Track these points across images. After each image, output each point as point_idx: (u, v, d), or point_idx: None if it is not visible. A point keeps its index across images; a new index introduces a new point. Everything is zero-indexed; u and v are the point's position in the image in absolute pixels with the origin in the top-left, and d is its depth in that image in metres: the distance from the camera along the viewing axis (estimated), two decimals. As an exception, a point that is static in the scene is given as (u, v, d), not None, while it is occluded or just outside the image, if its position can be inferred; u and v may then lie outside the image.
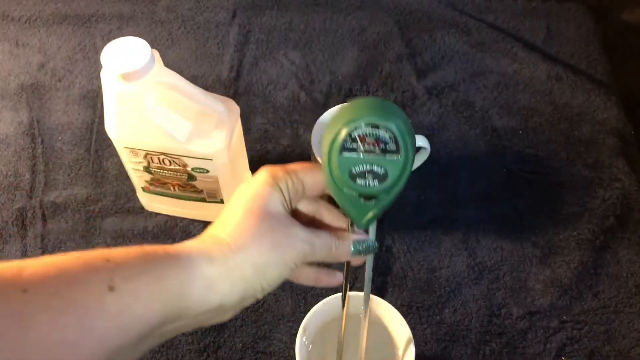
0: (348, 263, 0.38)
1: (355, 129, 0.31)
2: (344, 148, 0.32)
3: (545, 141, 0.67)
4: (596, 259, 0.58)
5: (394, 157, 0.32)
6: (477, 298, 0.56)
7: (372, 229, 0.37)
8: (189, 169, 0.53)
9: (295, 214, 0.37)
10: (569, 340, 0.53)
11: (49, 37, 0.76)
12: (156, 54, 0.47)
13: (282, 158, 0.65)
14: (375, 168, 0.32)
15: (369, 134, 0.31)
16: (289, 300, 0.55)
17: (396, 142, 0.31)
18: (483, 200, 0.62)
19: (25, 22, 0.78)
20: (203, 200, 0.57)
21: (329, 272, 0.39)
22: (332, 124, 0.33)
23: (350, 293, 0.47)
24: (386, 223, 0.60)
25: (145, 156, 0.52)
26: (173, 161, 0.52)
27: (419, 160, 0.61)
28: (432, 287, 0.56)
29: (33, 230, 0.60)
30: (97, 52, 0.74)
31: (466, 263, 0.58)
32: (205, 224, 0.60)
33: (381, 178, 0.32)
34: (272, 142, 0.67)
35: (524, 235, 0.60)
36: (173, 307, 0.29)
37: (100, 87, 0.49)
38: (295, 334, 0.45)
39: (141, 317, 0.28)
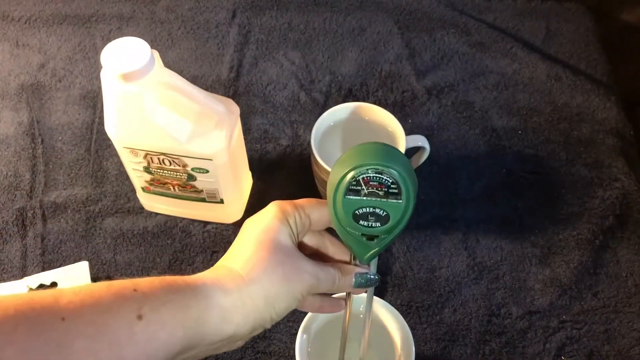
0: (349, 293, 0.40)
1: (361, 174, 0.33)
2: (348, 190, 0.34)
3: (545, 141, 0.67)
4: (596, 259, 0.58)
5: (396, 200, 0.34)
6: (477, 298, 0.56)
7: (374, 263, 0.39)
8: (188, 169, 0.53)
9: (301, 247, 0.39)
10: (569, 340, 0.53)
11: (49, 38, 0.76)
12: (156, 54, 0.47)
13: (281, 158, 0.66)
14: (377, 210, 0.34)
15: (373, 178, 0.33)
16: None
17: (398, 187, 0.33)
18: (483, 200, 0.62)
19: (26, 23, 0.78)
20: (203, 200, 0.57)
21: (332, 301, 0.41)
22: (338, 168, 0.34)
23: (343, 294, 0.47)
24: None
25: (145, 156, 0.52)
26: (173, 161, 0.52)
27: (419, 160, 0.61)
28: (431, 287, 0.56)
29: (33, 230, 0.60)
30: (97, 52, 0.74)
31: (466, 263, 0.58)
32: (205, 224, 0.60)
33: (383, 220, 0.34)
34: (272, 142, 0.67)
35: (524, 235, 0.60)
36: (192, 336, 0.31)
37: (100, 87, 0.49)
38: (295, 334, 0.45)
39: (166, 345, 0.30)
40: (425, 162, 0.61)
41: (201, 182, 0.54)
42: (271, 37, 0.76)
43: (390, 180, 0.33)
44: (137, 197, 0.61)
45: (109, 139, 0.52)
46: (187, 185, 0.55)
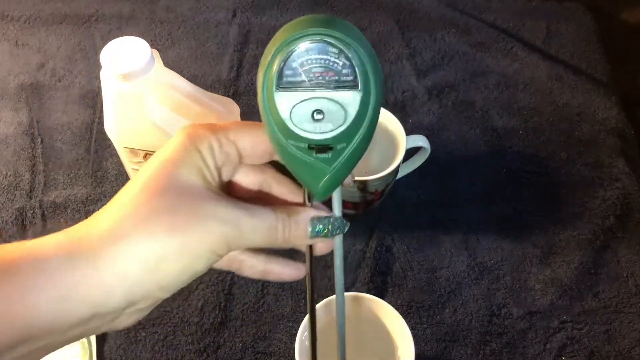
0: (310, 249, 0.30)
1: (294, 52, 0.24)
2: (282, 82, 0.24)
3: (546, 141, 0.67)
4: (596, 259, 0.58)
5: (351, 89, 0.24)
6: (477, 298, 0.56)
7: (337, 200, 0.29)
8: (188, 169, 0.53)
9: (232, 188, 0.30)
10: (569, 340, 0.53)
11: (49, 37, 0.76)
12: (156, 53, 0.47)
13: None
14: (326, 105, 0.25)
15: (314, 60, 0.24)
16: (289, 300, 0.55)
17: (353, 68, 0.24)
18: (483, 200, 0.62)
19: (25, 22, 0.77)
20: (203, 200, 0.57)
21: (283, 261, 0.31)
22: (265, 52, 0.25)
23: (352, 294, 0.47)
24: (386, 223, 0.60)
25: (145, 156, 0.52)
26: (173, 161, 0.52)
27: (419, 160, 0.61)
28: (432, 287, 0.56)
29: (33, 230, 0.60)
30: (97, 52, 0.73)
31: (466, 263, 0.58)
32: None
33: (336, 119, 0.25)
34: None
35: (524, 235, 0.60)
36: (23, 327, 0.23)
37: (100, 87, 0.48)
38: (295, 334, 0.45)
39: None
40: (426, 162, 0.61)
41: (201, 182, 0.54)
42: (271, 37, 0.76)
43: (340, 60, 0.24)
44: (136, 197, 0.61)
45: (108, 139, 0.52)
46: (187, 185, 0.55)
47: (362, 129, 0.26)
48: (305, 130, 0.25)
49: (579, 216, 0.61)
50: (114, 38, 0.46)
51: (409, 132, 0.58)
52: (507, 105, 0.70)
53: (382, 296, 0.54)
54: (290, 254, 0.32)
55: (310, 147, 0.26)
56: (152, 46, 0.46)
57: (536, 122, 0.68)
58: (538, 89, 0.71)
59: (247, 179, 0.30)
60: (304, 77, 0.24)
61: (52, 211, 0.61)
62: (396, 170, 0.57)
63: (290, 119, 0.25)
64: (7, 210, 0.61)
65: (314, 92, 0.25)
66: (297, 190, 0.30)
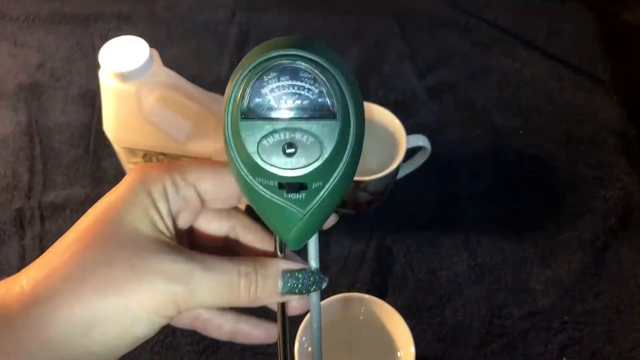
0: (283, 309, 0.27)
1: (263, 77, 0.21)
2: (249, 110, 0.21)
3: (546, 141, 0.67)
4: (597, 260, 0.58)
5: (328, 119, 0.21)
6: (478, 299, 0.55)
7: (313, 249, 0.25)
8: (188, 169, 0.52)
9: (194, 237, 0.27)
10: (570, 341, 0.53)
11: (47, 37, 0.76)
12: (155, 53, 0.46)
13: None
14: (298, 137, 0.21)
15: (285, 86, 0.21)
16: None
17: (329, 92, 0.21)
18: (484, 200, 0.62)
19: (24, 22, 0.77)
20: (202, 200, 0.57)
21: (254, 321, 0.28)
22: (231, 77, 0.22)
23: (352, 294, 0.46)
24: (386, 223, 0.60)
25: (144, 156, 0.52)
26: (172, 161, 0.52)
27: (420, 160, 0.60)
28: (432, 288, 0.56)
29: (31, 230, 0.59)
30: (96, 52, 0.73)
31: (467, 263, 0.57)
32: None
33: (310, 152, 0.22)
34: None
35: (525, 236, 0.59)
36: None
37: (98, 87, 0.48)
38: (295, 335, 0.44)
39: None
40: (426, 162, 0.61)
41: (200, 182, 0.54)
42: (271, 36, 0.75)
43: (315, 87, 0.21)
44: (136, 197, 0.61)
45: (107, 139, 0.52)
46: (186, 186, 0.55)
47: (341, 165, 0.22)
48: (274, 166, 0.22)
49: (580, 216, 0.61)
50: (112, 37, 0.46)
51: (409, 131, 0.58)
52: (508, 105, 0.70)
53: (382, 297, 0.54)
54: (265, 311, 0.27)
55: (281, 186, 0.22)
56: (151, 46, 0.46)
57: (537, 122, 0.68)
58: (539, 89, 0.71)
59: (211, 226, 0.26)
60: (273, 105, 0.21)
61: (51, 211, 0.61)
62: (396, 170, 0.56)
63: (258, 152, 0.22)
64: (6, 211, 0.61)
65: (285, 122, 0.21)
66: (268, 238, 0.27)
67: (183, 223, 0.25)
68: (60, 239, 0.23)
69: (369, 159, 0.57)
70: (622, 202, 0.61)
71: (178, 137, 0.49)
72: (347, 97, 0.22)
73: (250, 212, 0.27)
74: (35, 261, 0.23)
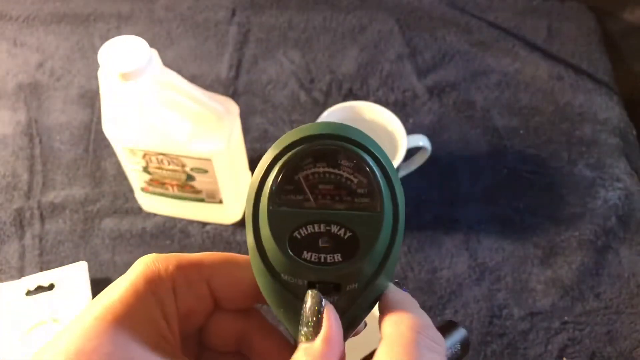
0: None
1: (298, 162, 0.19)
2: (280, 198, 0.19)
3: (547, 141, 0.66)
4: (598, 260, 0.58)
5: (368, 208, 0.19)
6: (478, 299, 0.55)
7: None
8: (187, 169, 0.52)
9: (204, 337, 0.24)
10: (571, 341, 0.53)
11: (47, 37, 0.76)
12: (155, 53, 0.46)
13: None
14: (335, 229, 0.19)
15: (322, 174, 0.19)
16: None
17: (370, 184, 0.19)
18: (484, 200, 0.62)
19: (24, 22, 0.77)
20: (202, 200, 0.56)
21: None
22: (263, 159, 0.20)
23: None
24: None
25: (144, 156, 0.52)
26: (172, 161, 0.52)
27: (420, 160, 0.60)
28: (432, 288, 0.56)
29: (31, 230, 0.59)
30: (96, 52, 0.73)
31: (467, 264, 0.57)
32: (204, 225, 0.60)
33: (347, 247, 0.19)
34: (272, 142, 0.66)
35: (525, 236, 0.59)
36: None
37: (98, 87, 0.48)
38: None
39: None
40: (426, 162, 0.60)
41: (200, 182, 0.54)
42: (271, 36, 0.76)
43: (355, 177, 0.19)
44: (135, 198, 0.61)
45: (107, 139, 0.52)
46: (185, 186, 0.55)
47: (381, 266, 0.19)
48: (306, 262, 0.19)
49: (581, 216, 0.61)
50: (112, 37, 0.46)
51: (409, 131, 0.58)
52: (508, 105, 0.69)
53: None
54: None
55: (309, 286, 0.19)
56: (151, 45, 0.46)
57: (537, 122, 0.68)
58: (539, 89, 0.71)
59: (222, 326, 0.23)
60: (308, 194, 0.19)
61: (50, 211, 0.61)
62: (396, 170, 0.56)
63: (288, 246, 0.19)
64: (6, 211, 0.61)
65: (320, 213, 0.19)
66: (288, 348, 0.22)
67: (192, 324, 0.23)
68: (48, 345, 0.20)
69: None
70: (622, 203, 0.61)
71: (178, 138, 0.49)
72: (394, 188, 0.19)
73: (268, 313, 0.24)
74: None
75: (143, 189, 0.57)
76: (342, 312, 0.19)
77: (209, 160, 0.51)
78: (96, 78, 0.48)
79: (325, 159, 0.19)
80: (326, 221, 0.19)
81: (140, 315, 0.20)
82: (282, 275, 0.20)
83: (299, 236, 0.19)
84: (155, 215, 0.61)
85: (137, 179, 0.56)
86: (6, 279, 0.56)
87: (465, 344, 0.21)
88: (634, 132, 0.69)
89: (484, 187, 0.63)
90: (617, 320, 0.54)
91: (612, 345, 0.53)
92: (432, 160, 0.60)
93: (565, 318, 0.54)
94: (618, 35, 0.80)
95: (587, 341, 0.53)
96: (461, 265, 0.57)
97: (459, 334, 0.21)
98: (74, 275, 0.54)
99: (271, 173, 0.19)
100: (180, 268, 0.21)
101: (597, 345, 0.53)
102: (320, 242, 0.19)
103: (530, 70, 0.73)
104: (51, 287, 0.54)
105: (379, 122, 0.59)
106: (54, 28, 0.77)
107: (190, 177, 0.53)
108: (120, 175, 0.63)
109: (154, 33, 0.76)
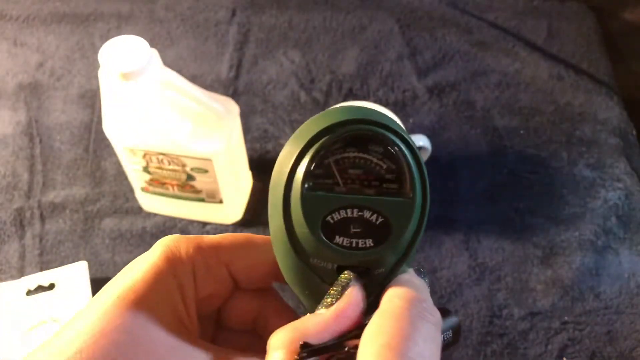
0: None
1: (329, 147, 0.19)
2: (311, 183, 0.19)
3: (547, 141, 0.66)
4: (598, 260, 0.58)
5: (399, 194, 0.19)
6: (478, 299, 0.55)
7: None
8: (187, 169, 0.52)
9: (220, 316, 0.24)
10: (571, 341, 0.53)
11: (47, 36, 0.76)
12: (155, 53, 0.46)
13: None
14: (367, 215, 0.19)
15: (353, 158, 0.19)
16: (289, 301, 0.55)
17: (400, 170, 0.19)
18: (484, 200, 0.62)
19: (24, 21, 0.77)
20: (202, 200, 0.56)
21: None
22: (290, 142, 0.20)
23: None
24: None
25: (144, 156, 0.52)
26: (172, 161, 0.52)
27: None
28: (433, 288, 0.56)
29: (31, 230, 0.59)
30: (96, 51, 0.73)
31: (467, 264, 0.57)
32: (204, 225, 0.60)
33: (379, 232, 0.19)
34: (272, 142, 0.66)
35: (525, 236, 0.59)
36: None
37: (98, 87, 0.48)
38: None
39: None
40: (427, 162, 0.60)
41: (200, 182, 0.54)
42: (271, 36, 0.76)
43: (384, 163, 0.19)
44: (135, 198, 0.61)
45: (107, 139, 0.52)
46: (186, 186, 0.55)
47: (409, 251, 0.20)
48: (338, 246, 0.19)
49: (581, 216, 0.61)
50: (113, 37, 0.46)
51: (409, 131, 0.58)
52: (508, 105, 0.69)
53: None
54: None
55: (339, 271, 0.19)
56: (151, 45, 0.46)
57: (537, 122, 0.68)
58: (539, 89, 0.71)
59: (240, 306, 0.24)
60: (338, 179, 0.19)
61: (50, 211, 0.61)
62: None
63: (321, 230, 0.19)
64: (6, 211, 0.61)
65: (353, 198, 0.19)
66: None
67: (211, 306, 0.23)
68: (70, 323, 0.20)
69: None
70: (622, 203, 0.61)
71: (178, 137, 0.49)
72: (423, 173, 0.20)
73: (283, 291, 0.24)
74: (38, 348, 0.20)
75: (143, 189, 0.57)
76: (368, 296, 0.20)
77: (209, 160, 0.51)
78: (96, 78, 0.48)
79: (355, 144, 0.19)
80: (359, 206, 0.19)
81: (161, 297, 0.20)
82: (312, 259, 0.20)
83: (331, 220, 0.19)
84: (155, 215, 0.61)
85: (137, 178, 0.56)
86: (6, 279, 0.56)
87: (456, 332, 0.21)
88: (634, 132, 0.69)
89: (484, 187, 0.63)
90: (617, 320, 0.54)
91: (612, 345, 0.53)
92: (432, 160, 0.60)
93: (565, 318, 0.54)
94: (618, 35, 0.80)
95: (587, 341, 0.53)
96: (461, 265, 0.57)
97: (451, 321, 0.21)
98: (74, 275, 0.54)
99: (304, 158, 0.19)
100: (200, 251, 0.22)
101: (597, 345, 0.53)
102: (352, 227, 0.19)
103: (531, 70, 0.73)
104: (51, 287, 0.54)
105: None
106: (54, 28, 0.76)
107: (190, 177, 0.53)
108: (121, 175, 0.63)
109: (154, 33, 0.76)
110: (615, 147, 0.66)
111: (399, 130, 0.19)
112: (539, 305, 0.55)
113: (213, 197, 0.56)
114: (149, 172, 0.54)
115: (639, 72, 0.80)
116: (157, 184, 0.56)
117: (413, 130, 0.65)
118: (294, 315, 0.24)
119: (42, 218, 0.60)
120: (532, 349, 0.53)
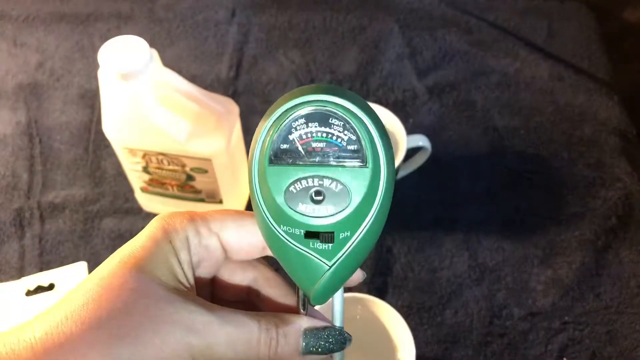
0: None
1: (292, 123, 0.21)
2: (276, 156, 0.21)
3: (547, 141, 0.66)
4: (598, 260, 0.58)
5: (357, 163, 0.21)
6: (479, 299, 0.55)
7: (338, 306, 0.24)
8: (187, 169, 0.52)
9: (215, 288, 0.26)
10: (571, 341, 0.53)
11: (47, 37, 0.76)
12: (155, 53, 0.46)
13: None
14: (327, 183, 0.21)
15: (314, 132, 0.21)
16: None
17: (359, 142, 0.21)
18: (484, 200, 0.62)
19: (23, 22, 0.77)
20: (202, 200, 0.56)
21: None
22: (260, 122, 0.22)
23: (352, 295, 0.46)
24: (386, 223, 0.60)
25: (144, 156, 0.52)
26: (171, 161, 0.52)
27: (420, 160, 0.60)
28: (433, 288, 0.56)
29: (31, 231, 0.59)
30: (95, 51, 0.73)
31: (467, 264, 0.57)
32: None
33: (339, 200, 0.21)
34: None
35: (525, 236, 0.59)
36: None
37: (98, 87, 0.48)
38: None
39: None
40: (426, 162, 0.60)
41: (200, 182, 0.54)
42: (271, 36, 0.76)
43: (345, 135, 0.21)
44: (135, 198, 0.61)
45: (107, 139, 0.52)
46: (185, 186, 0.55)
47: (370, 215, 0.21)
48: (301, 214, 0.21)
49: (581, 216, 0.60)
50: (112, 37, 0.46)
51: (409, 131, 0.58)
52: (508, 105, 0.69)
53: (382, 297, 0.54)
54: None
55: (307, 236, 0.22)
56: (150, 45, 0.46)
57: (537, 122, 0.68)
58: (539, 89, 0.71)
59: (232, 278, 0.26)
60: (302, 152, 0.21)
61: (50, 212, 0.61)
62: (396, 170, 0.56)
63: (285, 199, 0.21)
64: (6, 211, 0.61)
65: (313, 168, 0.21)
66: (291, 294, 0.26)
67: (204, 273, 0.25)
68: (77, 286, 0.23)
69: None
70: (622, 203, 0.61)
71: (178, 138, 0.49)
72: (379, 144, 0.21)
73: (273, 265, 0.26)
74: (49, 307, 0.22)
75: (143, 189, 0.57)
76: (337, 259, 0.22)
77: (209, 160, 0.51)
78: (96, 78, 0.48)
79: (317, 119, 0.21)
80: (319, 176, 0.21)
81: (160, 260, 0.22)
82: (282, 226, 0.22)
83: (294, 190, 0.21)
84: (155, 215, 0.60)
85: (137, 179, 0.56)
86: (6, 279, 0.56)
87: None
88: (634, 132, 0.69)
89: (484, 187, 0.63)
90: (617, 320, 0.54)
91: (612, 345, 0.53)
92: (432, 160, 0.60)
93: (566, 318, 0.54)
94: (618, 35, 0.80)
95: (587, 341, 0.53)
96: (461, 265, 0.57)
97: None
98: (74, 275, 0.54)
99: (268, 134, 0.21)
100: (193, 222, 0.24)
101: (597, 345, 0.53)
102: (314, 195, 0.21)
103: (531, 70, 0.72)
104: (51, 287, 0.54)
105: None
106: (54, 28, 0.76)
107: (190, 177, 0.53)
108: (120, 175, 0.63)
109: (154, 33, 0.76)
110: (615, 147, 0.66)
111: (359, 105, 0.21)
112: (539, 305, 0.55)
113: (213, 197, 0.56)
114: (148, 172, 0.54)
115: (639, 71, 0.80)
116: (156, 184, 0.56)
117: (413, 130, 0.65)
118: (285, 284, 0.27)
119: (42, 218, 0.60)
120: (532, 349, 0.53)
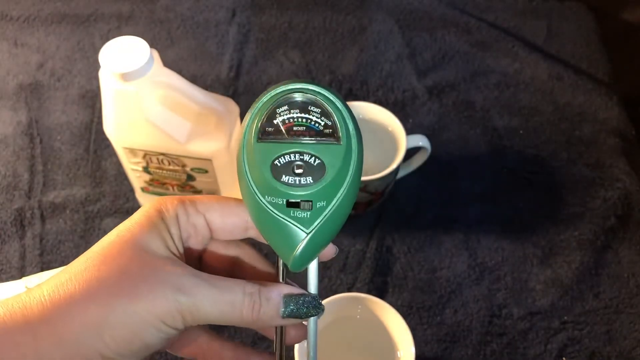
0: (281, 332, 0.28)
1: (277, 109, 0.25)
2: (262, 134, 0.25)
3: (546, 141, 0.67)
4: (597, 259, 0.58)
5: (332, 141, 0.25)
6: (478, 298, 0.55)
7: (313, 275, 0.26)
8: (188, 169, 0.52)
9: (202, 264, 0.29)
10: (570, 341, 0.53)
11: (48, 37, 0.76)
12: (155, 53, 0.46)
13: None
14: (306, 157, 0.25)
15: (295, 119, 0.25)
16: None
17: (333, 123, 0.25)
18: (484, 200, 0.62)
19: (24, 22, 0.77)
20: (202, 200, 0.57)
21: (252, 351, 0.29)
22: (250, 109, 0.26)
23: (352, 294, 0.46)
24: (386, 223, 0.60)
25: (144, 156, 0.52)
26: (172, 161, 0.52)
27: (420, 160, 0.60)
28: (432, 288, 0.56)
29: (32, 230, 0.59)
30: (96, 52, 0.73)
31: (467, 263, 0.57)
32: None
33: (317, 172, 0.25)
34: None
35: (525, 236, 0.59)
36: None
37: (99, 87, 0.48)
38: None
39: None
40: (426, 162, 0.61)
41: (200, 182, 0.54)
42: (271, 36, 0.76)
43: (322, 119, 0.25)
44: (136, 198, 0.61)
45: (107, 139, 0.52)
46: (186, 186, 0.55)
47: (344, 186, 0.25)
48: (284, 184, 0.25)
49: (580, 216, 0.61)
50: (113, 38, 0.46)
51: (409, 131, 0.58)
52: (508, 105, 0.70)
53: (382, 297, 0.54)
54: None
55: (288, 205, 0.25)
56: (151, 46, 0.46)
57: (537, 122, 0.68)
58: (539, 89, 0.71)
59: (218, 254, 0.29)
60: (284, 134, 0.25)
61: (51, 211, 0.61)
62: (396, 170, 0.56)
63: (270, 171, 0.25)
64: (6, 211, 0.61)
65: (295, 145, 0.25)
66: (272, 268, 0.29)
67: (193, 245, 0.28)
68: (79, 256, 0.26)
69: (369, 159, 0.57)
70: (621, 202, 0.61)
71: (178, 137, 0.49)
72: (350, 126, 0.25)
73: (255, 247, 0.29)
74: (59, 271, 0.25)
75: (144, 189, 0.57)
76: (314, 226, 0.25)
77: (209, 160, 0.51)
78: (97, 78, 0.48)
79: (298, 106, 0.25)
80: (300, 152, 0.25)
81: (153, 234, 0.25)
82: (266, 197, 0.25)
83: (278, 164, 0.25)
84: (155, 215, 0.61)
85: (137, 179, 0.56)
86: (6, 279, 0.56)
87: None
88: (634, 132, 0.69)
89: (483, 187, 0.63)
90: (617, 320, 0.54)
91: (611, 345, 0.53)
92: (431, 160, 0.61)
93: (565, 318, 0.54)
94: (618, 35, 0.80)
95: (586, 341, 0.53)
96: (461, 265, 0.57)
97: None
98: (75, 275, 0.54)
99: (256, 118, 0.25)
100: (182, 203, 0.27)
101: (596, 345, 0.53)
102: (295, 169, 0.25)
103: (530, 70, 0.73)
104: (52, 286, 0.54)
105: (378, 122, 0.59)
106: (54, 28, 0.77)
107: (190, 177, 0.54)
108: (121, 175, 0.63)
109: (154, 33, 0.76)
110: (615, 147, 0.66)
111: (333, 93, 0.25)
112: (538, 305, 0.55)
113: (213, 197, 0.56)
114: (149, 173, 0.54)
115: (639, 71, 0.80)
116: (157, 184, 0.56)
117: (413, 130, 0.65)
118: (266, 261, 0.30)
119: (43, 218, 0.60)
120: (531, 349, 0.53)
